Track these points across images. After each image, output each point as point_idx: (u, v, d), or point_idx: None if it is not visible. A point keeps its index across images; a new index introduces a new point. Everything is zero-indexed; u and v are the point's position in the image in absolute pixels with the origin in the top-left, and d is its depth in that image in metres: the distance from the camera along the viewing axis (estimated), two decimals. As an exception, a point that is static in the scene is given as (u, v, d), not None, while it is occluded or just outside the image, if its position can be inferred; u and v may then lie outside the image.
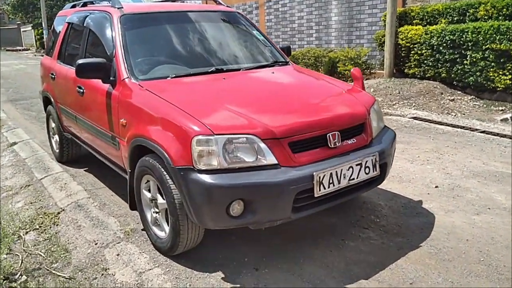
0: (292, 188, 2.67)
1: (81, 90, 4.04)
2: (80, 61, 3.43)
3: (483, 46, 7.58)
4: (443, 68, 8.32)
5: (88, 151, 4.53)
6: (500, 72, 7.51)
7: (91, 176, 4.87)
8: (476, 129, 6.10)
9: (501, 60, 7.42)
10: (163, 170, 2.90)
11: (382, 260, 2.98)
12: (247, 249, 3.19)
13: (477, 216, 3.54)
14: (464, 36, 7.79)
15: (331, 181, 2.81)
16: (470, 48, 7.79)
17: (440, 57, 8.30)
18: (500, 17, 7.63)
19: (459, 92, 8.26)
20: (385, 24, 9.32)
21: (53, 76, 4.89)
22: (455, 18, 8.26)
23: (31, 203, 4.33)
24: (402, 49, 9.05)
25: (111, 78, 3.52)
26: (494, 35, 7.39)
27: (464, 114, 7.22)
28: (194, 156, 2.68)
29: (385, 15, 9.27)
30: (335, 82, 3.80)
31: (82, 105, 4.12)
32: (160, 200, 3.08)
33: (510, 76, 7.39)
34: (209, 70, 3.62)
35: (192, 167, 2.69)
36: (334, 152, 2.93)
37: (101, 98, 3.66)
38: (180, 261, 3.06)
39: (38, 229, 3.77)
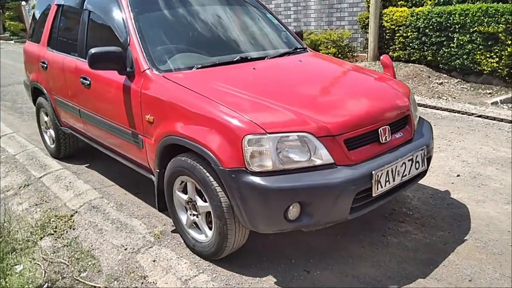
0: (353, 189, 2.55)
1: (87, 82, 3.72)
2: (93, 51, 3.12)
3: (471, 29, 7.64)
4: (429, 51, 8.36)
5: (88, 145, 4.23)
6: (487, 55, 7.61)
7: (95, 173, 4.57)
8: (473, 114, 6.16)
9: (489, 43, 7.51)
10: (205, 171, 2.71)
11: (432, 257, 2.92)
12: (290, 250, 3.06)
13: (509, 206, 3.54)
14: (451, 18, 7.82)
15: (387, 179, 2.70)
16: (457, 30, 7.84)
17: (426, 40, 8.33)
18: (488, 0, 7.68)
19: (444, 75, 8.34)
20: (368, 6, 9.26)
21: (44, 65, 4.51)
22: (442, 0, 8.27)
23: (36, 205, 4.02)
24: (387, 31, 9.02)
25: (128, 69, 3.25)
26: (482, 18, 7.46)
27: (455, 98, 7.29)
28: (246, 157, 2.50)
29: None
30: (365, 70, 3.67)
31: (89, 98, 3.81)
32: (201, 202, 2.89)
33: (497, 59, 7.51)
34: (235, 59, 3.40)
35: (244, 168, 2.52)
36: (385, 147, 2.82)
37: (116, 92, 3.38)
38: (224, 266, 2.90)
39: (53, 234, 3.49)
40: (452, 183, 3.99)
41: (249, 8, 4.10)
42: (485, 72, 7.75)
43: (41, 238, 3.45)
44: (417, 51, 8.57)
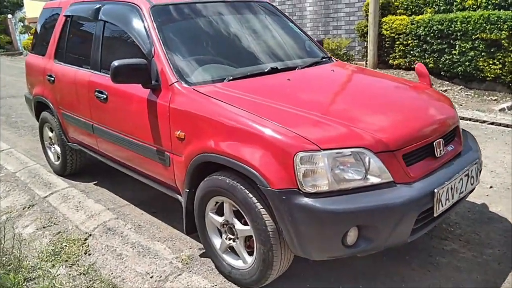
0: (416, 209, 2.29)
1: (103, 96, 3.41)
2: (116, 63, 2.83)
3: (473, 36, 7.51)
4: (431, 59, 8.22)
5: (94, 162, 3.91)
6: (490, 62, 7.49)
7: (106, 191, 4.23)
8: (485, 121, 5.99)
9: (491, 50, 7.40)
10: (248, 192, 2.43)
11: (491, 279, 2.67)
12: (335, 275, 2.78)
13: (553, 218, 3.34)
14: (453, 25, 7.69)
15: (447, 197, 2.46)
16: (459, 38, 7.70)
17: (427, 48, 8.19)
18: (489, 6, 7.59)
19: (447, 82, 8.21)
20: (366, 15, 9.12)
21: (51, 79, 4.17)
22: (442, 8, 8.17)
23: (44, 227, 3.67)
24: (386, 39, 8.87)
25: (152, 83, 2.96)
26: (484, 25, 7.34)
27: (461, 105, 7.14)
28: (299, 176, 2.23)
29: (367, 5, 9.07)
30: (401, 79, 3.45)
31: (105, 113, 3.49)
32: (239, 225, 2.60)
33: (500, 66, 7.39)
34: (265, 70, 3.13)
35: (296, 189, 2.24)
36: (440, 162, 2.57)
37: (138, 106, 3.09)
38: (267, 295, 2.61)
39: (67, 260, 3.16)
40: (487, 195, 3.77)
41: (271, 17, 3.84)
42: (488, 78, 7.63)
43: (53, 265, 3.11)
44: (418, 59, 8.43)
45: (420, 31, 8.17)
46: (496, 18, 7.23)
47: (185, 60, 3.05)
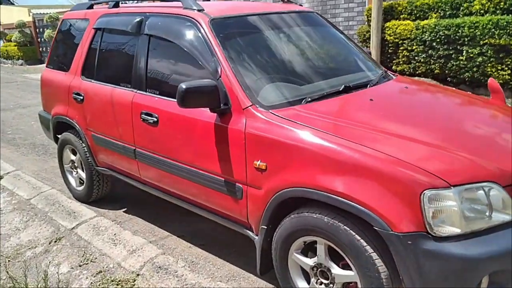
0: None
1: (152, 119, 3.00)
2: (185, 86, 2.46)
3: (481, 41, 7.38)
4: (437, 64, 8.06)
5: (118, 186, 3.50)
6: (499, 67, 7.38)
7: (140, 220, 3.81)
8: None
9: (500, 55, 7.29)
10: (354, 233, 2.10)
11: None
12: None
13: None
14: (460, 31, 7.54)
15: None
16: (466, 43, 7.56)
17: (433, 53, 8.02)
18: (497, 11, 7.48)
19: (453, 88, 8.08)
20: (368, 20, 8.91)
21: (79, 97, 3.72)
22: (448, 13, 8.02)
23: (80, 266, 3.23)
24: (389, 45, 8.67)
25: (222, 106, 2.59)
26: (493, 30, 7.21)
27: (475, 111, 6.99)
28: (427, 218, 1.92)
29: (368, 10, 8.86)
30: (479, 98, 3.20)
31: (153, 138, 3.08)
32: (338, 270, 2.27)
33: (508, 71, 7.29)
34: (340, 89, 2.80)
35: (424, 233, 1.93)
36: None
37: (202, 132, 2.72)
38: None
39: (119, 308, 2.74)
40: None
41: (324, 28, 3.51)
42: (496, 84, 7.51)
43: (105, 314, 2.70)
44: (424, 65, 8.25)
45: (426, 36, 7.99)
46: (505, 23, 7.11)
47: (256, 80, 2.70)
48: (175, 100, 2.53)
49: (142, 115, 3.08)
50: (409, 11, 8.53)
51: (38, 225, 3.88)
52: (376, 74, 3.22)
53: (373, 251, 2.07)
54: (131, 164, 3.37)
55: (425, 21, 8.11)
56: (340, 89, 2.77)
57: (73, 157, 4.11)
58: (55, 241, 3.59)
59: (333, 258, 2.29)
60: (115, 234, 3.55)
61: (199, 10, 2.94)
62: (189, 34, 2.89)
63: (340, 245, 2.17)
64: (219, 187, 2.71)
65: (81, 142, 3.87)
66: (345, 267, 2.25)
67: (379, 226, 1.98)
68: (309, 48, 3.22)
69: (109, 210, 4.00)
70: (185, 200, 3.09)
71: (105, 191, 4.06)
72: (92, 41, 3.71)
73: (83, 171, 4.01)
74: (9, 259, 3.40)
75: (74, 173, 4.18)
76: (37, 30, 20.11)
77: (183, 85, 2.47)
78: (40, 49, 20.40)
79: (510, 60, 7.23)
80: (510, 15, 7.19)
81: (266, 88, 2.68)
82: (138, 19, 3.26)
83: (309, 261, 2.38)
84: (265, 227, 2.50)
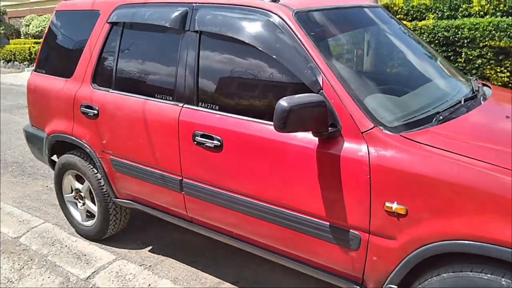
0: None
1: (215, 143, 2.28)
2: (286, 103, 1.81)
3: (481, 43, 7.13)
4: (433, 66, 7.77)
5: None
6: (498, 70, 7.16)
7: (174, 261, 3.05)
8: None
9: (500, 58, 7.08)
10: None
11: None
12: None
13: None
14: (459, 32, 7.27)
15: None
16: (465, 45, 7.30)
17: (430, 55, 7.72)
18: (497, 13, 7.27)
19: None
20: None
21: (92, 112, 2.90)
22: (446, 14, 7.74)
23: (112, 334, 2.45)
24: (382, 46, 8.31)
25: (329, 129, 1.93)
26: (494, 32, 6.99)
27: (483, 115, 6.71)
28: None
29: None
30: None
31: (216, 167, 2.34)
32: None
33: (508, 74, 7.09)
34: (462, 102, 2.23)
35: None
36: None
37: (297, 161, 2.05)
38: None
39: None
40: None
41: (397, 27, 2.92)
42: (496, 87, 7.32)
43: None
44: (419, 67, 7.94)
45: (424, 38, 7.65)
46: (506, 26, 6.90)
47: (370, 93, 2.07)
48: (250, 119, 2.10)
49: (197, 137, 2.35)
50: (405, 12, 8.20)
51: (38, 274, 3.02)
52: (472, 82, 2.69)
53: None
54: (174, 198, 2.62)
55: (423, 22, 7.77)
56: (462, 102, 2.21)
57: (78, 185, 3.27)
58: (68, 297, 2.78)
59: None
60: (149, 284, 2.79)
61: (273, 0, 2.27)
62: (267, 32, 2.20)
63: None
64: (320, 233, 2.05)
65: (91, 167, 3.06)
66: None
67: None
68: (398, 49, 2.65)
69: (130, 249, 3.21)
70: (260, 246, 2.38)
71: (122, 226, 3.27)
72: (106, 39, 2.91)
73: (93, 202, 3.20)
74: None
75: (79, 204, 3.34)
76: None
77: (285, 103, 1.81)
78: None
79: (509, 62, 7.03)
80: (510, 17, 6.99)
81: (384, 103, 2.07)
82: (180, 11, 2.51)
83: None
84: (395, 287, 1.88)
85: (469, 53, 7.26)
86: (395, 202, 1.79)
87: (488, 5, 7.29)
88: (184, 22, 2.48)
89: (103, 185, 3.03)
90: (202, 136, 2.33)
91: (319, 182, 1.99)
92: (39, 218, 3.73)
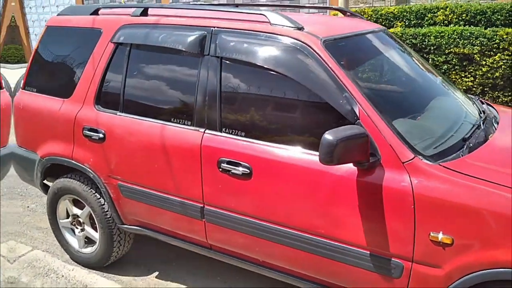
0: None
1: (242, 170, 2.22)
2: (332, 137, 1.83)
3: (446, 50, 7.48)
4: (401, 72, 8.04)
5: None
6: (462, 75, 7.53)
7: (180, 287, 2.97)
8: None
9: (464, 63, 7.45)
10: None
11: None
12: None
13: None
14: (426, 40, 7.57)
15: None
16: (432, 52, 7.62)
17: (398, 61, 7.99)
18: (461, 22, 7.63)
19: None
20: (326, 26, 8.65)
21: (98, 136, 2.74)
22: (413, 22, 8.03)
23: None
24: (351, 52, 8.49)
25: (370, 159, 1.96)
26: (458, 40, 7.35)
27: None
28: None
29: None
30: None
31: (244, 195, 2.29)
32: None
33: (471, 78, 7.46)
34: (477, 127, 2.32)
35: None
36: None
37: (334, 189, 2.06)
38: None
39: None
40: None
41: (403, 49, 2.99)
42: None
43: None
44: (387, 72, 8.19)
45: (391, 45, 7.92)
46: (468, 34, 7.28)
47: (404, 122, 2.11)
48: (280, 145, 2.15)
49: (223, 164, 2.29)
50: (374, 19, 8.40)
51: (37, 308, 2.84)
52: (476, 102, 2.81)
53: None
54: (194, 225, 2.53)
55: (392, 29, 8.00)
56: (481, 126, 2.30)
57: (76, 211, 3.10)
58: (75, 334, 2.63)
59: None
60: (165, 317, 2.69)
61: (298, 29, 2.26)
62: (295, 60, 2.19)
63: None
64: (360, 262, 2.05)
65: (94, 192, 2.91)
66: None
67: None
68: (404, 71, 2.74)
69: (135, 276, 3.07)
70: (290, 274, 2.36)
71: (125, 252, 3.14)
72: (110, 60, 2.78)
73: (93, 228, 3.05)
74: None
75: (77, 230, 3.16)
76: None
77: (330, 136, 1.81)
78: None
79: (472, 68, 7.42)
80: (472, 26, 7.38)
81: (417, 132, 2.13)
82: (198, 35, 2.44)
83: None
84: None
85: (435, 59, 7.56)
86: (441, 232, 1.83)
87: (452, 14, 7.62)
88: (203, 46, 2.41)
89: (107, 211, 2.89)
90: (229, 163, 2.27)
91: (359, 211, 1.99)
92: (26, 244, 3.50)
